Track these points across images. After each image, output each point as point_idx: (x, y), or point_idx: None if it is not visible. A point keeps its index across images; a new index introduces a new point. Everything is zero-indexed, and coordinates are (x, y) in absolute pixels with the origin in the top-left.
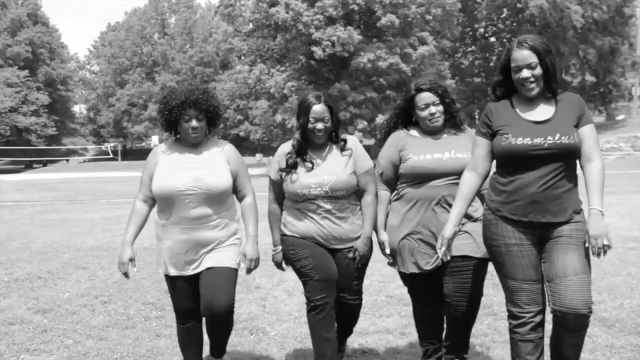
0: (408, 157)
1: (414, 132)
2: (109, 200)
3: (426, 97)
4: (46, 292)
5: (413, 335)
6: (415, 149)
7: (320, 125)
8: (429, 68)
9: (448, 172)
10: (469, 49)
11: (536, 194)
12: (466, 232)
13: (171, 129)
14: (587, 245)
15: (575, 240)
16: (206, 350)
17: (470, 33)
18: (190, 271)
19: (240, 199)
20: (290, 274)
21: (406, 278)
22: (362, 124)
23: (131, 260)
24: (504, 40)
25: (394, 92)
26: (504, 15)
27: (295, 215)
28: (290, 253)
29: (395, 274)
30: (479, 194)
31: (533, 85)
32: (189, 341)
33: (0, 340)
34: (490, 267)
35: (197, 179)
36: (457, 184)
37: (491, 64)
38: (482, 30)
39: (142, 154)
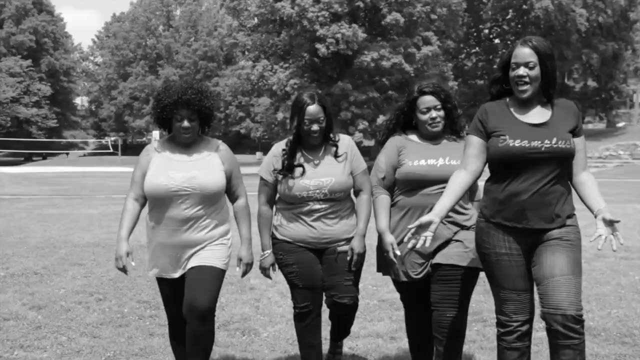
0: (403, 163)
1: (412, 136)
2: (107, 195)
3: (428, 100)
4: (42, 288)
5: (403, 340)
6: (411, 155)
7: (315, 127)
8: (432, 69)
9: (441, 179)
10: (473, 50)
11: (530, 200)
12: (458, 240)
13: (164, 126)
14: (577, 246)
15: (565, 242)
16: None
17: (475, 34)
18: (177, 273)
19: (233, 201)
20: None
21: (398, 285)
22: (363, 124)
23: (128, 254)
24: (508, 42)
25: (396, 93)
26: (509, 16)
27: (287, 218)
28: (279, 258)
29: (388, 278)
30: (472, 198)
31: (527, 86)
32: (179, 342)
33: None
34: (482, 274)
35: (190, 179)
36: None
37: (494, 66)
38: (486, 31)
39: (142, 148)
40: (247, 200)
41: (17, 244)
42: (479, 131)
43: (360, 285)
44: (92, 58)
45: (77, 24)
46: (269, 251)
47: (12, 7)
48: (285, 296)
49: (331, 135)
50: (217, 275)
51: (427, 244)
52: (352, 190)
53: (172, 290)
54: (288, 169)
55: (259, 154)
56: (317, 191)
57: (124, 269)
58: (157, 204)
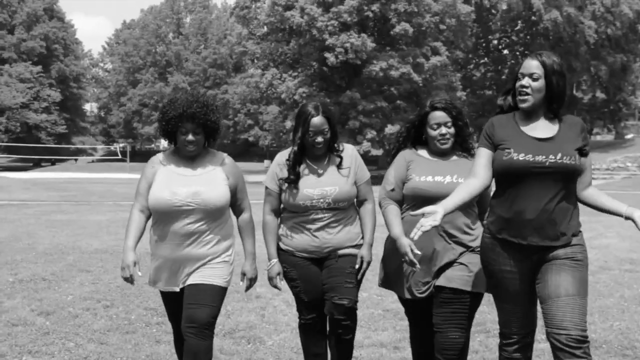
0: (410, 178)
1: (422, 151)
2: (115, 202)
3: (439, 116)
4: (50, 294)
5: (407, 350)
6: (418, 170)
7: (319, 139)
8: (440, 79)
9: (446, 197)
10: (482, 61)
11: (535, 218)
12: (462, 263)
13: (169, 139)
14: (583, 266)
15: (570, 262)
16: None
17: (484, 44)
18: (178, 287)
19: (238, 215)
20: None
21: (403, 301)
22: (371, 133)
23: (135, 263)
24: (517, 53)
25: (405, 102)
26: (518, 27)
27: (291, 228)
28: (284, 270)
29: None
30: (481, 218)
31: (528, 96)
32: (181, 352)
33: (3, 341)
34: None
35: (194, 194)
36: (456, 212)
37: (503, 77)
38: (495, 42)
39: (150, 155)
40: (252, 214)
41: (25, 250)
42: (487, 144)
43: (365, 295)
44: (102, 64)
45: (88, 31)
46: (275, 260)
47: (23, 14)
48: (290, 305)
49: (335, 145)
50: (217, 293)
51: (427, 228)
52: (355, 200)
53: (174, 304)
54: (292, 178)
55: (267, 162)
56: (321, 200)
57: (130, 279)
58: (160, 218)
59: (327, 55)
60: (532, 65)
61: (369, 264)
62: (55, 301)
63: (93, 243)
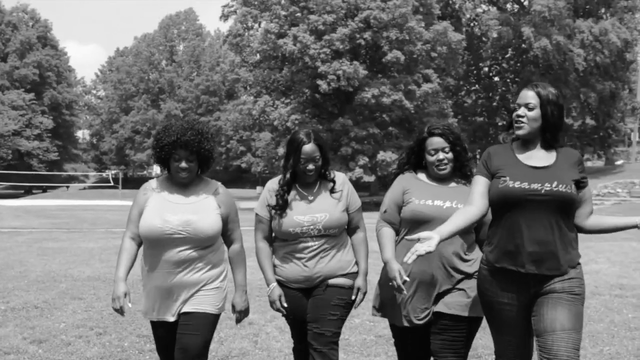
0: (410, 201)
1: (421, 176)
2: (107, 229)
3: (437, 142)
4: (42, 322)
5: None
6: (418, 193)
7: (311, 166)
8: (432, 106)
9: (445, 221)
10: (473, 88)
11: (534, 248)
12: (460, 289)
13: (163, 165)
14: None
15: (567, 295)
16: None
17: (475, 72)
18: (172, 317)
19: (229, 245)
20: None
21: (395, 330)
22: (363, 159)
23: (126, 295)
24: (507, 80)
25: (396, 129)
26: (508, 55)
27: (282, 259)
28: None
29: None
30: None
31: (523, 125)
32: None
33: None
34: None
35: (185, 223)
36: (454, 237)
37: (494, 104)
38: (486, 69)
39: (143, 182)
40: (243, 245)
41: (17, 278)
42: (484, 172)
43: (358, 321)
44: (94, 92)
45: (81, 58)
46: (274, 284)
47: (16, 42)
48: (283, 331)
49: (327, 172)
50: (210, 321)
51: (422, 252)
52: (346, 228)
53: (167, 334)
54: (280, 204)
55: (259, 189)
56: (312, 227)
57: (120, 310)
58: (151, 245)
59: (319, 82)
60: (528, 95)
61: (364, 294)
62: (47, 329)
63: (85, 270)
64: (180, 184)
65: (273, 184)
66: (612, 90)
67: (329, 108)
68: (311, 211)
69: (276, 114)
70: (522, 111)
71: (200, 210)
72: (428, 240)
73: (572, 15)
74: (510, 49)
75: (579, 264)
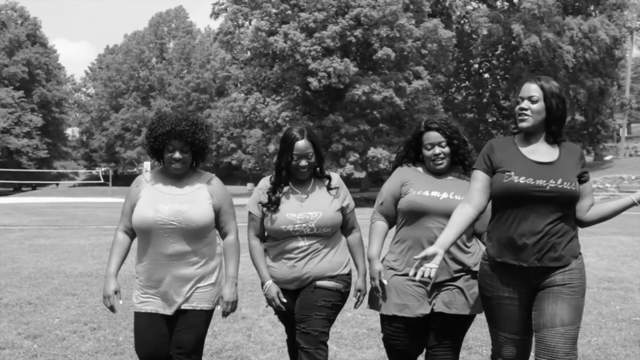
0: (407, 192)
1: (420, 168)
2: (98, 226)
3: (433, 136)
4: (36, 317)
5: None
6: (416, 185)
7: (303, 162)
8: (422, 102)
9: (441, 212)
10: (463, 85)
11: (535, 241)
12: (458, 287)
13: (157, 156)
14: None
15: (568, 289)
16: None
17: (465, 68)
18: (169, 311)
19: (223, 236)
20: None
21: (385, 321)
22: (354, 156)
23: (116, 292)
24: (497, 77)
25: (387, 126)
26: (498, 52)
27: (273, 258)
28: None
29: None
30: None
31: (527, 117)
32: None
33: None
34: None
35: (177, 213)
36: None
37: (484, 100)
38: (476, 66)
39: (133, 179)
40: (237, 237)
41: (9, 274)
42: (484, 167)
43: (350, 315)
44: (84, 89)
45: (70, 56)
46: (270, 281)
47: (5, 39)
48: (276, 325)
49: (321, 171)
50: (205, 318)
51: (432, 275)
52: (341, 230)
53: (155, 324)
54: (274, 202)
55: (249, 185)
56: (304, 225)
57: (112, 308)
58: (144, 237)
59: (310, 79)
60: (531, 88)
61: (364, 295)
62: (42, 324)
63: (77, 267)
64: (174, 175)
65: (266, 181)
66: (601, 86)
67: (319, 105)
68: (304, 209)
69: (267, 111)
70: (525, 104)
71: (191, 201)
72: (433, 258)
73: (562, 12)
74: (500, 46)
75: (580, 253)
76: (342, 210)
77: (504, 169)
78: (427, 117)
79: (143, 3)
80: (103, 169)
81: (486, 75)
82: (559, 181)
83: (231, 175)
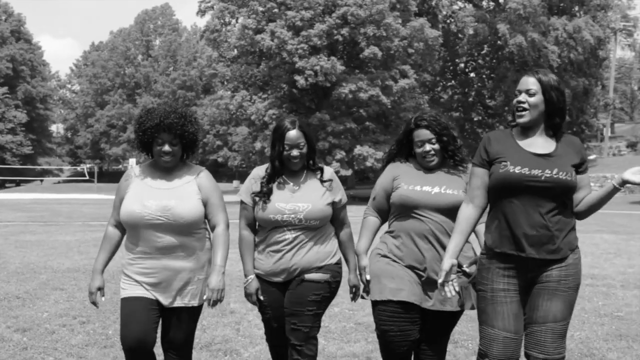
0: (399, 186)
1: (412, 164)
2: (83, 222)
3: (423, 134)
4: (25, 311)
5: None
6: (407, 179)
7: (295, 152)
8: (408, 101)
9: (432, 206)
10: (449, 84)
11: (533, 232)
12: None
13: (146, 150)
14: (573, 291)
15: (563, 287)
16: None
17: (451, 68)
18: (156, 296)
19: (212, 228)
20: None
21: (379, 306)
22: (340, 154)
23: (99, 289)
24: (483, 76)
25: (373, 124)
26: (484, 51)
27: (261, 251)
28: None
29: (365, 303)
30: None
31: (525, 112)
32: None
33: None
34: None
35: (164, 209)
36: (442, 221)
37: (470, 99)
38: (462, 65)
39: (118, 176)
40: (227, 228)
41: None
42: (482, 161)
43: (337, 309)
44: (69, 86)
45: (55, 53)
46: (252, 277)
47: None
48: None
49: (313, 163)
50: (195, 313)
51: (457, 288)
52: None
53: (143, 307)
54: (265, 192)
55: (235, 183)
56: (292, 216)
57: (95, 304)
58: (133, 231)
59: (296, 77)
60: (528, 81)
61: (358, 289)
62: (31, 318)
63: (64, 262)
64: (164, 169)
65: (259, 170)
66: (585, 86)
67: (306, 103)
68: (294, 200)
69: (253, 108)
70: (523, 97)
71: (180, 196)
72: (452, 269)
73: (547, 12)
74: (486, 46)
75: (577, 247)
76: (334, 204)
77: (500, 160)
78: (418, 113)
79: (129, 0)
80: (88, 165)
81: (472, 75)
82: (555, 171)
83: (217, 172)
